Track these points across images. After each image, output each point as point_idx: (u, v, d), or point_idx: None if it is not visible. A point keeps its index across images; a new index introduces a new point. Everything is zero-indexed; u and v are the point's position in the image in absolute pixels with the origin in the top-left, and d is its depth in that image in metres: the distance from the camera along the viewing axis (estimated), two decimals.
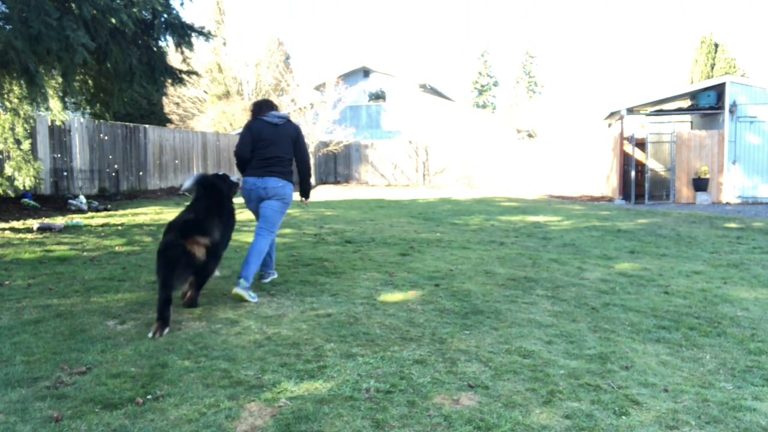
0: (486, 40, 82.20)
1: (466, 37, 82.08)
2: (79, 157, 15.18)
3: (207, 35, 11.03)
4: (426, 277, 5.79)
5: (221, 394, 3.01)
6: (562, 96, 49.26)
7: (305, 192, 5.64)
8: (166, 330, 3.94)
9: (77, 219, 10.39)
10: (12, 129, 11.23)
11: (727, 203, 16.21)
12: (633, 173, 17.31)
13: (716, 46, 35.86)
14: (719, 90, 16.98)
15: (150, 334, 3.88)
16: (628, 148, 17.88)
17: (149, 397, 2.96)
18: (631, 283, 5.66)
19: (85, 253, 7.06)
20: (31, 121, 12.18)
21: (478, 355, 3.59)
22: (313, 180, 24.55)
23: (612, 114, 20.59)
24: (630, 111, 18.01)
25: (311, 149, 24.24)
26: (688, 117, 19.52)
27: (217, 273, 5.10)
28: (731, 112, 16.30)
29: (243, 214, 11.79)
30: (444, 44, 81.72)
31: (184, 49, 10.57)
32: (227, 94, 34.71)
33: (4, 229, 8.94)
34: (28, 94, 9.37)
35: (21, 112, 11.19)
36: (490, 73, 55.40)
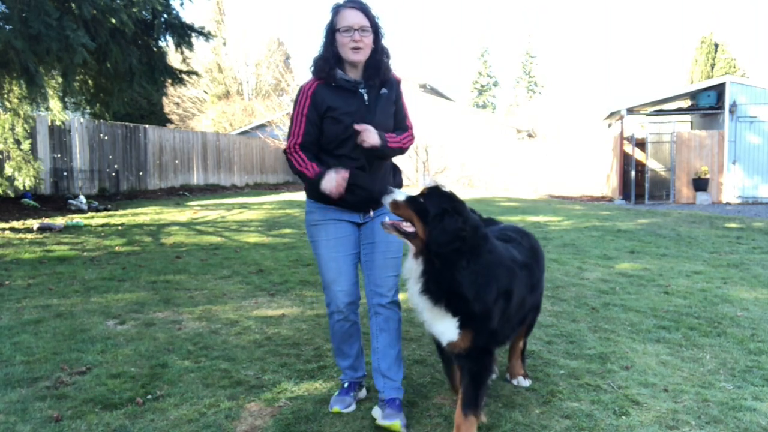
0: (486, 40, 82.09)
1: (466, 37, 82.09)
2: (79, 157, 15.17)
3: (207, 35, 11.04)
4: None
5: (221, 394, 3.01)
6: (562, 96, 48.97)
7: None
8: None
9: (77, 219, 10.39)
10: (12, 129, 11.22)
11: (727, 203, 16.20)
12: (633, 173, 17.29)
13: (716, 46, 35.81)
14: (719, 90, 16.96)
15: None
16: (628, 148, 17.87)
17: (149, 397, 2.96)
18: (631, 283, 5.66)
19: (85, 253, 7.06)
20: (31, 121, 12.17)
21: None
22: None
23: (612, 114, 20.58)
24: (630, 111, 18.00)
25: None
26: (688, 117, 19.50)
27: None
28: (731, 112, 16.29)
29: (243, 215, 11.78)
30: (444, 44, 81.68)
31: (184, 49, 10.57)
32: (227, 94, 34.69)
33: (4, 229, 8.94)
34: (28, 94, 9.36)
35: (21, 112, 11.18)
36: (490, 73, 55.33)
